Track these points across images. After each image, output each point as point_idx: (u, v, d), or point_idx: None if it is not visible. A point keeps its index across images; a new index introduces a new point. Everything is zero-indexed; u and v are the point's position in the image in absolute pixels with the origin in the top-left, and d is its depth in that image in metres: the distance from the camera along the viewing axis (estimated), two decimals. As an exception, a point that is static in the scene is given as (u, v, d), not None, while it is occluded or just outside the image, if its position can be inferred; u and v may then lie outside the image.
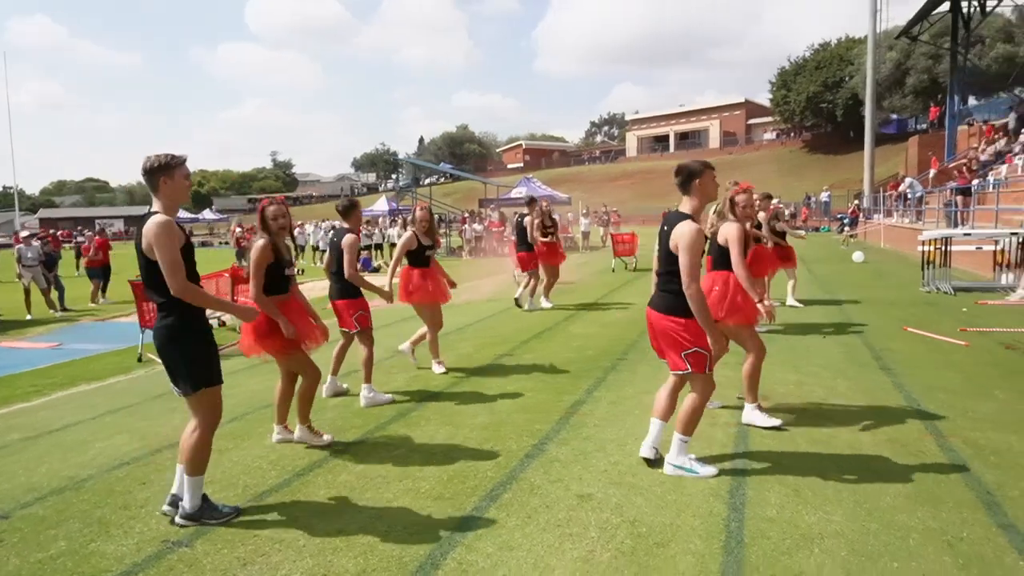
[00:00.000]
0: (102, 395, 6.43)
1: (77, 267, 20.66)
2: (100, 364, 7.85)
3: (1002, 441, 4.21)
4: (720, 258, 4.77)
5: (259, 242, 4.40)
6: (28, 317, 12.17)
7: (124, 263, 14.76)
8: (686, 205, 3.81)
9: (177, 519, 3.43)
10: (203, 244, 49.11)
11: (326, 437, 4.59)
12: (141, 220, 3.37)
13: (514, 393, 5.71)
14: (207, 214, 59.97)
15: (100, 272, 14.67)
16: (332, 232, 6.07)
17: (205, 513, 3.45)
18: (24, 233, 13.96)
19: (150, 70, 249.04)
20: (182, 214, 53.43)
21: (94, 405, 6.00)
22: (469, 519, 3.38)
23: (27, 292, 12.53)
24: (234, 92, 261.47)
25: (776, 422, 4.58)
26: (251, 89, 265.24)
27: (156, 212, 3.37)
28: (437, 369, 6.54)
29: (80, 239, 27.42)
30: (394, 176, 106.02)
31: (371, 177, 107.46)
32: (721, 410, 5.01)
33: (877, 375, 5.93)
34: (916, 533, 3.09)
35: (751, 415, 4.68)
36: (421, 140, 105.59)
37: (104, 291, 14.79)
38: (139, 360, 7.79)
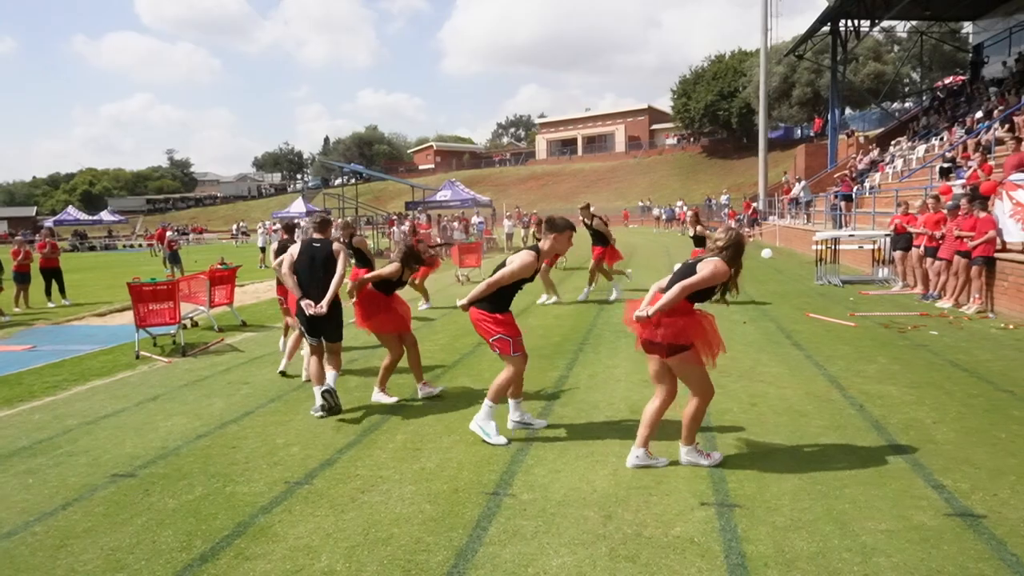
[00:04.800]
0: (123, 388, 7.00)
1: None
2: (97, 363, 8.31)
3: (883, 390, 5.75)
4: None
5: (395, 265, 5.94)
6: (-27, 323, 12.12)
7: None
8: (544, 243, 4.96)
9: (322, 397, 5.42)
10: (106, 248, 47.10)
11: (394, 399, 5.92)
12: (323, 242, 5.84)
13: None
14: (105, 215, 57.23)
15: (29, 277, 14.47)
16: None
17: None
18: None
19: (26, 59, 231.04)
20: (79, 215, 50.65)
21: (124, 396, 6.62)
22: (517, 458, 4.50)
23: (-27, 298, 12.46)
24: (120, 85, 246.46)
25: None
26: (139, 82, 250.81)
27: (332, 240, 5.88)
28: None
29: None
30: (299, 176, 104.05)
31: (276, 177, 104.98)
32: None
33: (790, 349, 7.46)
34: (832, 446, 4.48)
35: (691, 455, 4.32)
36: (327, 140, 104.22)
37: (63, 293, 14.85)
38: (137, 357, 8.33)
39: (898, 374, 6.30)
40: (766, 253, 19.53)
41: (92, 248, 47.22)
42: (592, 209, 11.59)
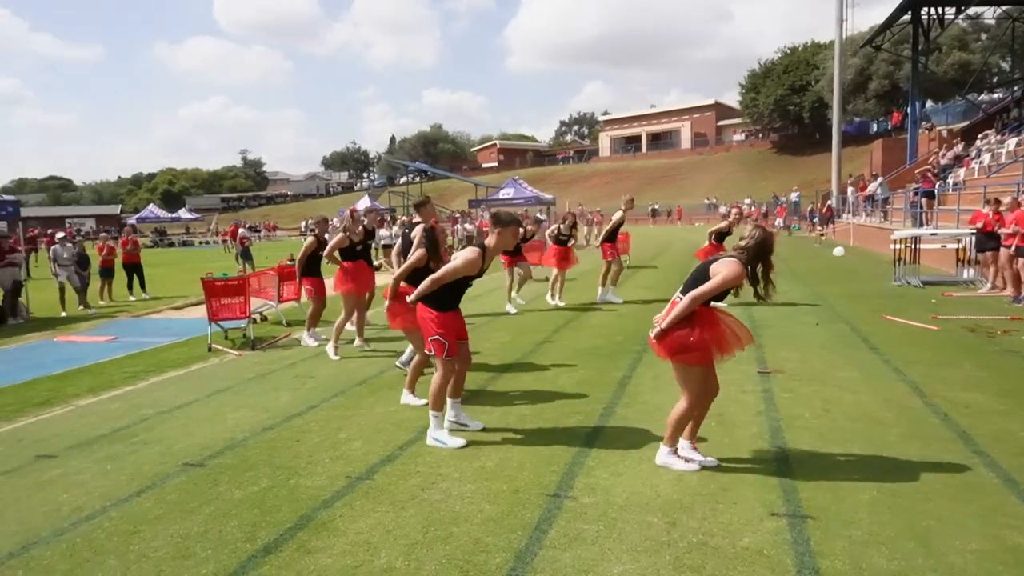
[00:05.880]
0: (195, 380, 7.25)
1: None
2: (172, 354, 8.64)
3: (970, 398, 5.39)
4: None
5: (419, 252, 5.58)
6: (63, 314, 12.80)
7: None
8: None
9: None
10: (183, 244, 49.21)
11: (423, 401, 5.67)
12: (412, 226, 6.77)
13: (567, 371, 6.76)
14: (183, 213, 59.88)
15: (113, 271, 15.17)
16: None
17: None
18: (60, 234, 14.52)
19: (112, 64, 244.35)
20: (159, 213, 53.14)
21: (196, 388, 6.85)
22: (577, 459, 4.41)
23: (62, 290, 13.18)
24: (198, 88, 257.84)
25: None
26: (215, 85, 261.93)
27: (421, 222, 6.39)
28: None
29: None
30: (365, 175, 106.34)
31: (343, 176, 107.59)
32: (747, 381, 6.12)
33: (866, 353, 7.11)
34: (914, 457, 4.22)
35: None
36: (393, 139, 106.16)
37: (144, 287, 15.56)
38: (209, 350, 8.61)
39: (986, 381, 5.90)
40: (838, 251, 18.90)
41: (171, 244, 49.42)
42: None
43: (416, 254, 5.69)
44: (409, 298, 4.80)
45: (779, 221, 31.76)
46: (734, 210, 11.15)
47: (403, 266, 5.66)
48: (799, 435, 4.69)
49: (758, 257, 3.92)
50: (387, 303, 5.69)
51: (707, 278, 3.89)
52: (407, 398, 5.82)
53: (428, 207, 7.14)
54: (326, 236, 8.68)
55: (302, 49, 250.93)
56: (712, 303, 4.05)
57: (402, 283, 5.53)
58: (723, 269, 3.87)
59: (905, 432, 4.68)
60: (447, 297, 4.71)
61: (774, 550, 3.16)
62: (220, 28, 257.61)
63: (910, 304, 10.17)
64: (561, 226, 11.87)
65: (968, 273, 12.30)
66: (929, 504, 3.58)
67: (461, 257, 4.58)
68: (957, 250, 12.80)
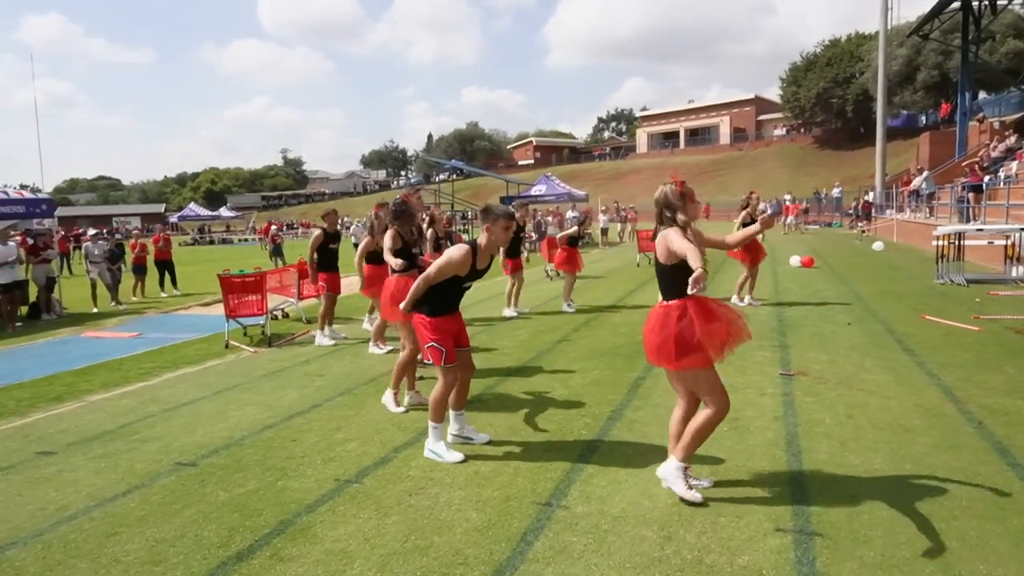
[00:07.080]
0: (208, 376, 7.22)
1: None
2: (191, 350, 8.65)
3: (1011, 405, 5.00)
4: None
5: (389, 231, 5.56)
6: (94, 310, 13.03)
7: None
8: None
9: None
10: (223, 241, 50.14)
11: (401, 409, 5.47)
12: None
13: (582, 371, 6.52)
14: (224, 211, 61.00)
15: (145, 268, 15.41)
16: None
17: None
18: (91, 231, 14.81)
19: (162, 68, 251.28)
20: (200, 211, 54.09)
21: (207, 384, 6.81)
22: (578, 465, 4.19)
23: (94, 287, 13.41)
24: (243, 89, 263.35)
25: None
26: (260, 86, 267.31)
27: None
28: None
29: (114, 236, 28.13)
30: (403, 173, 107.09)
31: (381, 174, 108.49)
32: (767, 383, 5.81)
33: (899, 355, 6.71)
34: (942, 470, 3.89)
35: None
36: (430, 137, 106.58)
37: (175, 284, 15.77)
38: (226, 347, 8.60)
39: (1029, 387, 5.49)
40: (878, 246, 18.35)
41: (211, 242, 50.35)
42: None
43: (388, 234, 5.70)
44: (401, 305, 4.42)
45: (790, 219, 30.64)
46: (754, 196, 10.46)
47: (386, 256, 5.73)
48: (818, 443, 4.39)
49: (673, 214, 3.52)
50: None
51: (663, 269, 3.57)
52: (387, 398, 5.53)
53: (413, 199, 7.05)
54: (336, 229, 8.72)
55: (344, 49, 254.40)
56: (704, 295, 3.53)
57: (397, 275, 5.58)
58: (661, 247, 3.52)
59: (935, 442, 4.34)
60: (441, 300, 4.38)
61: (774, 571, 2.90)
62: (265, 31, 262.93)
63: (952, 303, 9.66)
64: (579, 227, 11.47)
65: (1017, 271, 11.67)
66: (954, 523, 3.26)
67: (447, 256, 4.27)
68: (1006, 247, 12.16)
